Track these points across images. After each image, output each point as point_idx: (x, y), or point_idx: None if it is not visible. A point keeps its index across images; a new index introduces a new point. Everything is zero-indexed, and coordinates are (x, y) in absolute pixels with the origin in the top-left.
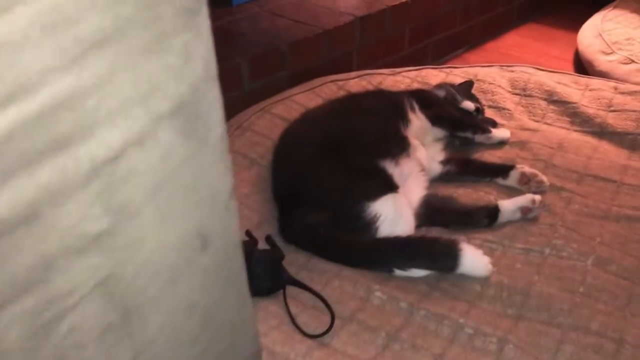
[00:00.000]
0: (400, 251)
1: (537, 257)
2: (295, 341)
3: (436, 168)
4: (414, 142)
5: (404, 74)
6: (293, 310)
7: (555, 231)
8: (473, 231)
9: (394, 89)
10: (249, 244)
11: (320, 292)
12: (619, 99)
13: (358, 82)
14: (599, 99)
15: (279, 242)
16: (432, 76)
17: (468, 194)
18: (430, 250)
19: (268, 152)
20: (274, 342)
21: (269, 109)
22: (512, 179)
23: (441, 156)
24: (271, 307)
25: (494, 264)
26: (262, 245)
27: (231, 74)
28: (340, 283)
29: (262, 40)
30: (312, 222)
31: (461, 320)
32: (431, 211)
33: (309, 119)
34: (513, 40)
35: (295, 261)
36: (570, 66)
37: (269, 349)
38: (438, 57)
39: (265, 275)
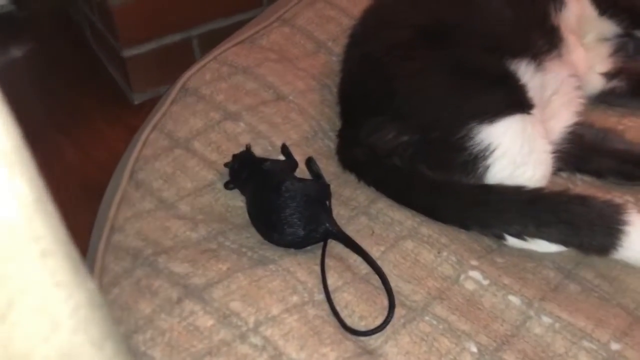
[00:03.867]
0: (524, 209)
1: None
2: (322, 340)
3: (596, 82)
4: (569, 37)
5: None
6: (332, 281)
7: None
8: None
9: None
10: (282, 167)
11: (380, 257)
12: None
13: None
14: None
15: (334, 167)
16: None
17: None
18: (574, 214)
19: (344, 33)
20: (286, 335)
21: None
22: None
23: (606, 65)
24: (298, 271)
25: None
26: (302, 171)
27: None
28: (415, 247)
29: None
30: (387, 144)
31: (614, 347)
32: (580, 150)
33: None
34: None
35: (352, 200)
36: None
37: (272, 348)
38: None
39: (297, 218)
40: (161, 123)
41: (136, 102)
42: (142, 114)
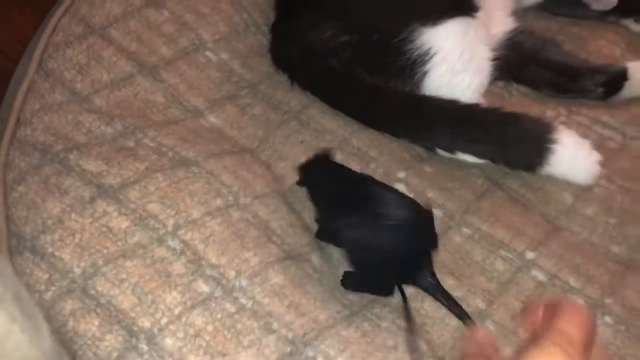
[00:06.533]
0: (455, 124)
1: None
2: (245, 244)
3: None
4: None
5: None
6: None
7: None
8: (577, 103)
9: None
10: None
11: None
12: None
13: None
14: None
15: (266, 66)
16: None
17: (581, 40)
18: (504, 133)
19: None
20: (207, 239)
21: None
22: None
23: None
24: (223, 175)
25: (604, 163)
26: None
27: None
28: (344, 158)
29: None
30: (325, 43)
31: (529, 255)
32: (518, 59)
33: None
34: None
35: (284, 104)
36: None
37: (191, 253)
38: None
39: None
40: (74, 6)
41: None
42: None
